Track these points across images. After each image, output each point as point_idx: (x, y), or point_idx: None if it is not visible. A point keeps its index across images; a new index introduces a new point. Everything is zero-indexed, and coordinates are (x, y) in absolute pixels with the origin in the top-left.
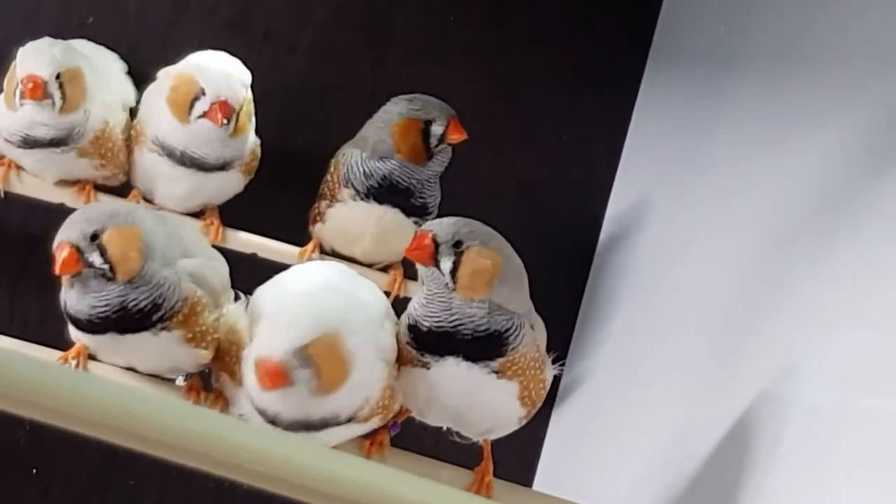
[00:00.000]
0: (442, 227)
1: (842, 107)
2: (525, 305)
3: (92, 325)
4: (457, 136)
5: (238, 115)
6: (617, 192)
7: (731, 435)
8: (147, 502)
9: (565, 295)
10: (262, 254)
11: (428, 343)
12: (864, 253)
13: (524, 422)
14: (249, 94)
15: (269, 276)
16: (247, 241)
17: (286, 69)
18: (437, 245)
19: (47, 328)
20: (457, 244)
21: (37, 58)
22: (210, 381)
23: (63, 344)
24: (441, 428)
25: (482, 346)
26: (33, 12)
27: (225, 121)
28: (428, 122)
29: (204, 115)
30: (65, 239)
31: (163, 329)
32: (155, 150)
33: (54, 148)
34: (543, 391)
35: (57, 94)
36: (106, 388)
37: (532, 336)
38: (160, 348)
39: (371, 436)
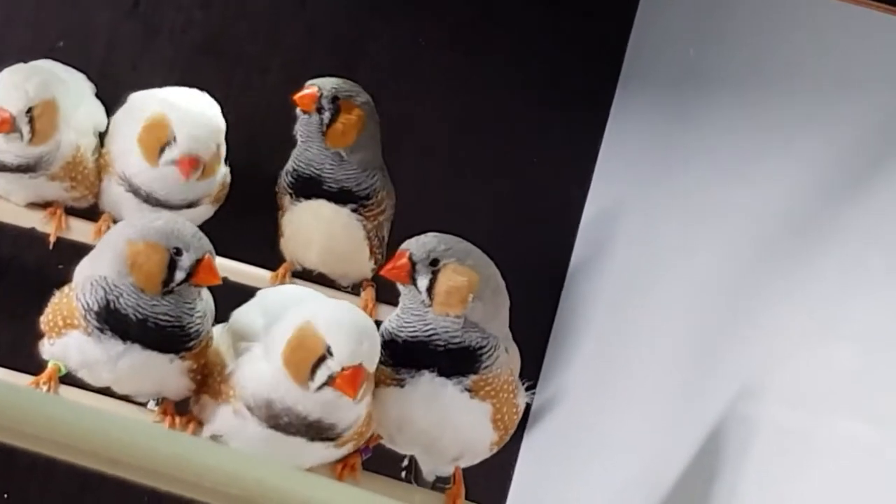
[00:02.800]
0: (418, 245)
1: (811, 129)
2: (502, 330)
3: (139, 330)
4: (296, 98)
5: (205, 163)
6: (588, 215)
7: (702, 456)
8: None
9: (536, 317)
10: (233, 278)
11: (403, 356)
12: (835, 274)
13: (495, 449)
14: (222, 140)
15: (237, 300)
16: (218, 266)
17: (257, 91)
18: (413, 263)
19: (18, 353)
20: (433, 262)
21: (8, 92)
22: (179, 405)
23: (33, 369)
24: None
25: (456, 360)
26: (2, 35)
27: (192, 172)
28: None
29: (173, 163)
30: (207, 250)
31: (181, 357)
32: (122, 184)
33: (23, 174)
34: (516, 417)
35: (25, 129)
36: (79, 412)
37: (507, 359)
38: (165, 374)
39: (343, 459)
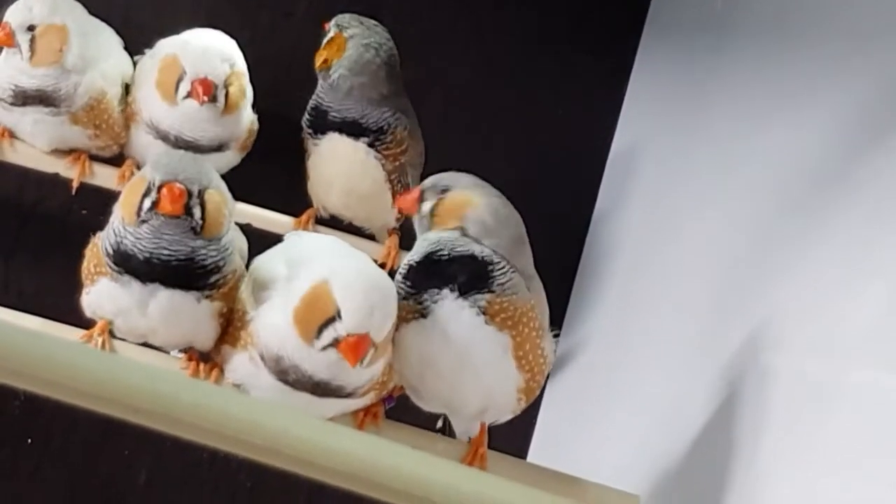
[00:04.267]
0: (432, 179)
1: (838, 77)
2: (527, 268)
3: (147, 268)
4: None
5: (227, 91)
6: (612, 162)
7: (723, 406)
8: (141, 472)
9: (561, 265)
10: (256, 224)
11: (420, 278)
12: (859, 225)
13: (523, 401)
14: (241, 69)
15: (263, 248)
16: (242, 212)
17: (282, 35)
18: (422, 192)
19: (42, 299)
20: (442, 190)
21: (16, 7)
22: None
23: (58, 314)
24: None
25: (465, 268)
26: None
27: (206, 98)
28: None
29: (188, 94)
30: (179, 183)
31: (207, 297)
32: (150, 132)
33: (44, 107)
34: (543, 362)
35: (25, 46)
36: (100, 359)
37: (527, 293)
38: (193, 317)
39: (366, 408)
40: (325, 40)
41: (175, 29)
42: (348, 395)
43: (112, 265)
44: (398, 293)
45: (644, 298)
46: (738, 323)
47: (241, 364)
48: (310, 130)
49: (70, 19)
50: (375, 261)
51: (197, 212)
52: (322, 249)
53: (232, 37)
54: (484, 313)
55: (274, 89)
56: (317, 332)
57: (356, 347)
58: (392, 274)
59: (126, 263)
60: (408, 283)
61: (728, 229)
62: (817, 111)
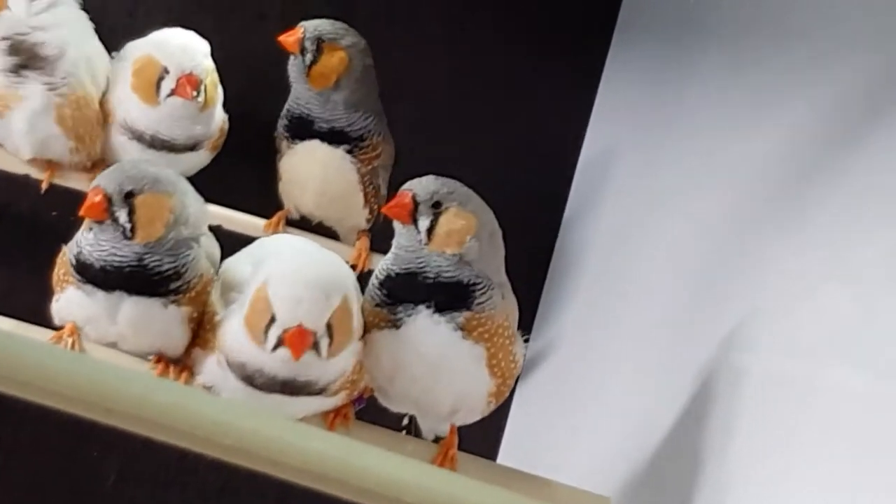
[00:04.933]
0: (422, 186)
1: (811, 79)
2: (498, 277)
3: (104, 276)
4: (282, 38)
5: (205, 86)
6: (583, 163)
7: (694, 406)
8: (110, 472)
9: (531, 266)
10: (227, 226)
11: (398, 290)
12: (828, 226)
13: (492, 403)
14: (212, 64)
15: (234, 250)
16: (212, 214)
17: (255, 38)
18: (416, 204)
19: (12, 300)
20: (436, 204)
21: None
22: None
23: (28, 315)
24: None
25: (448, 293)
26: None
27: (195, 93)
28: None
29: (172, 92)
30: (101, 186)
31: (174, 302)
32: (125, 133)
33: (33, 70)
34: (514, 367)
35: None
36: (72, 360)
37: (502, 304)
38: (162, 323)
39: (336, 409)
40: (314, 53)
41: (147, 30)
42: (320, 392)
43: (75, 274)
44: (372, 298)
45: (614, 300)
46: (708, 324)
47: (210, 367)
48: (287, 135)
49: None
50: (347, 262)
51: (122, 216)
52: (281, 251)
53: (204, 38)
54: (461, 328)
55: (246, 92)
56: (264, 334)
57: (294, 341)
58: (364, 276)
59: (87, 272)
60: (383, 292)
61: (697, 231)
62: (788, 114)
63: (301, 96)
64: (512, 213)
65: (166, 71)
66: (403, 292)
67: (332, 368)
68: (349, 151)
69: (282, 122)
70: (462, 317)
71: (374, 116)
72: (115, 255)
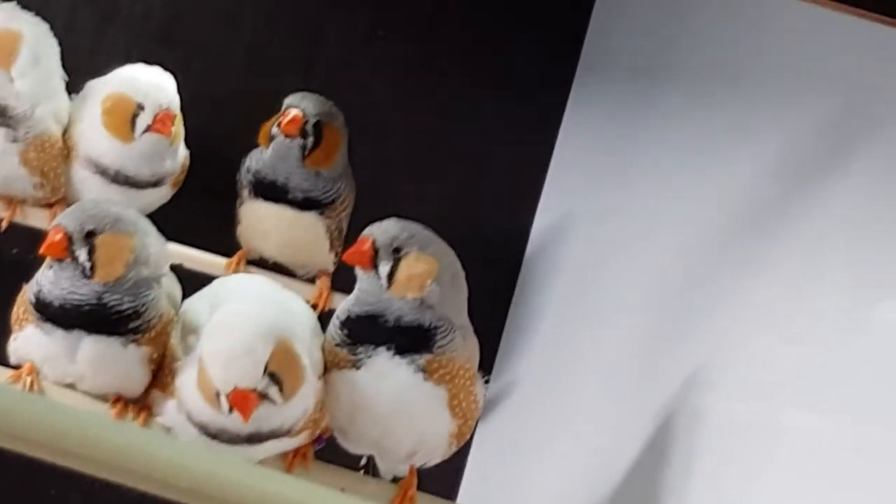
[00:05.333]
0: (382, 231)
1: (769, 121)
2: (460, 318)
3: (63, 314)
4: (285, 122)
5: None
6: (544, 204)
7: (654, 447)
8: None
9: (492, 306)
10: (188, 265)
11: (359, 332)
12: (788, 268)
13: (454, 444)
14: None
15: (194, 289)
16: (173, 253)
17: (216, 79)
18: (376, 250)
19: None
20: (396, 249)
21: None
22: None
23: None
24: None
25: (409, 336)
26: None
27: (168, 129)
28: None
29: (149, 128)
30: (62, 224)
31: (133, 342)
32: (87, 167)
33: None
34: (475, 408)
35: None
36: (27, 400)
37: (463, 346)
38: (122, 363)
39: (295, 449)
40: (316, 136)
41: (108, 68)
42: (285, 434)
43: (34, 312)
44: (333, 338)
45: (575, 341)
46: (668, 365)
47: (170, 411)
48: (251, 190)
49: (28, 31)
50: (307, 301)
51: (82, 255)
52: (235, 294)
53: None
54: (422, 370)
55: (208, 131)
56: (216, 399)
57: (237, 403)
58: (324, 314)
59: (46, 310)
60: (344, 332)
61: (659, 272)
62: (747, 157)
63: (286, 170)
64: (473, 252)
65: (141, 107)
66: (364, 333)
67: (293, 411)
68: (320, 213)
69: (247, 177)
70: (423, 359)
71: (344, 177)
72: (75, 293)
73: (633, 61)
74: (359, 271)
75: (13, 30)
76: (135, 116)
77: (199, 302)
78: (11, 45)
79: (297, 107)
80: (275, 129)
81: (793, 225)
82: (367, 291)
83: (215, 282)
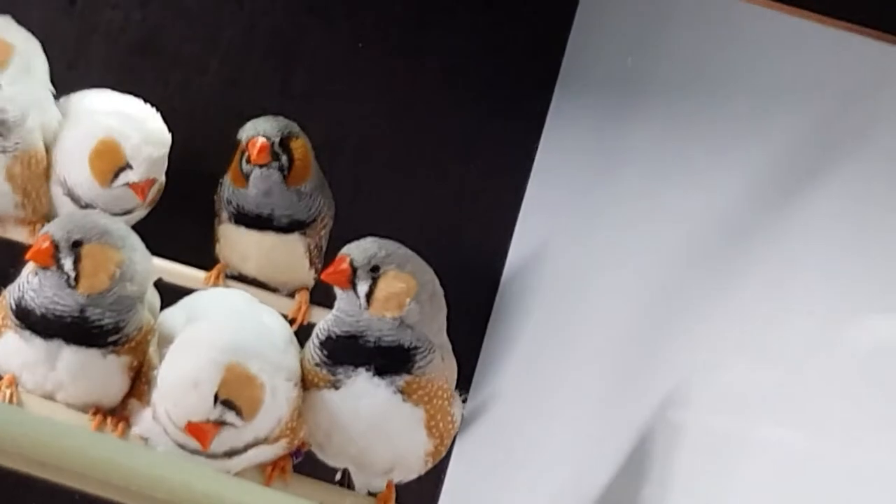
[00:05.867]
0: (360, 250)
1: (746, 137)
2: (439, 337)
3: (44, 323)
4: (254, 155)
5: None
6: (522, 222)
7: (631, 462)
8: None
9: (470, 322)
10: (167, 278)
11: (338, 352)
12: (764, 285)
13: (430, 462)
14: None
15: (173, 300)
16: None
17: (195, 92)
18: (354, 269)
19: None
20: (374, 268)
21: None
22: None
23: None
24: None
25: (388, 358)
26: None
27: (147, 195)
28: (243, 145)
29: (129, 185)
30: (50, 232)
31: (113, 352)
32: (61, 187)
33: None
34: (452, 428)
35: None
36: (7, 413)
37: (442, 366)
38: (101, 372)
39: (273, 461)
40: (288, 155)
41: (87, 81)
42: (263, 443)
43: (14, 319)
44: (312, 357)
45: (553, 356)
46: (646, 380)
47: (146, 420)
48: (232, 217)
49: (19, 41)
50: (285, 316)
51: (67, 264)
52: (215, 308)
53: (145, 92)
54: (401, 392)
55: (186, 145)
56: (185, 429)
57: (196, 435)
58: (302, 329)
59: (26, 318)
60: (324, 353)
61: (634, 290)
62: (724, 171)
63: (272, 200)
64: (452, 269)
65: (129, 166)
66: (344, 354)
67: (262, 424)
68: (302, 233)
69: (228, 207)
70: (402, 380)
71: (320, 196)
72: (58, 303)
73: (612, 76)
74: (338, 291)
75: (5, 40)
76: (120, 170)
77: (174, 313)
78: (3, 53)
79: (257, 134)
80: (247, 166)
81: (769, 240)
82: (346, 311)
83: (192, 294)
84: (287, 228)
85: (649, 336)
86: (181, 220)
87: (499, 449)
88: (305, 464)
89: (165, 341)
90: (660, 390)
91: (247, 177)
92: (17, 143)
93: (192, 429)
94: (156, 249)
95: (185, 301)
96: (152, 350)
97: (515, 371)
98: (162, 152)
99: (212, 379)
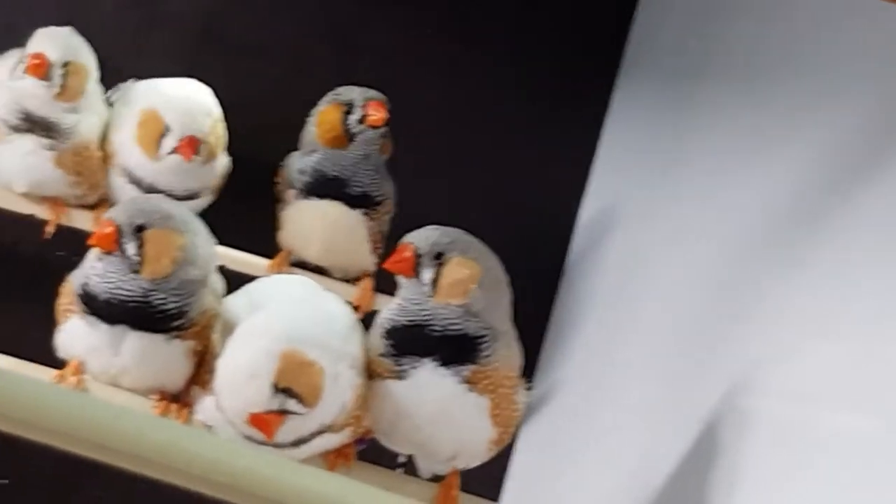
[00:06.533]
0: (423, 238)
1: (813, 122)
2: (504, 324)
3: (109, 308)
4: (375, 116)
5: (208, 143)
6: (587, 208)
7: (698, 450)
8: None
9: (535, 308)
10: (231, 266)
11: (403, 343)
12: (834, 266)
13: (493, 450)
14: (219, 117)
15: (237, 288)
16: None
17: (259, 79)
18: (418, 256)
19: (17, 340)
20: (437, 255)
21: (52, 41)
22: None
23: (33, 355)
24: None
25: (454, 347)
26: (7, 23)
27: (192, 155)
28: (348, 106)
29: (174, 150)
30: (113, 217)
31: (177, 337)
32: (124, 177)
33: (41, 136)
34: (516, 415)
35: (57, 80)
36: (66, 397)
37: (507, 354)
38: (164, 358)
39: (337, 448)
40: (375, 122)
41: (153, 70)
42: (328, 430)
43: (80, 304)
44: (377, 347)
45: (618, 342)
46: (713, 367)
47: (209, 408)
48: (302, 189)
49: (90, 59)
50: (349, 303)
51: (130, 249)
52: (276, 295)
53: (210, 81)
54: (467, 381)
55: (250, 133)
56: (248, 421)
57: (259, 427)
58: (367, 316)
59: (92, 303)
60: (389, 343)
61: (703, 273)
62: (792, 155)
63: (353, 165)
64: (516, 256)
65: (168, 129)
66: (409, 345)
67: (326, 411)
68: (365, 213)
69: (300, 179)
70: (468, 370)
71: (386, 176)
72: (122, 288)
73: (677, 60)
74: (401, 279)
75: (84, 63)
76: (162, 136)
77: (237, 301)
78: (85, 78)
79: (378, 99)
80: (358, 126)
81: (839, 224)
82: (411, 300)
83: (255, 281)
84: (355, 201)
85: (715, 321)
86: (246, 207)
87: (564, 435)
88: (368, 451)
89: (228, 328)
90: (728, 376)
91: (352, 137)
92: (66, 140)
93: (256, 420)
94: (220, 237)
95: (248, 288)
96: (217, 337)
97: (581, 357)
98: (197, 110)
99: (268, 368)
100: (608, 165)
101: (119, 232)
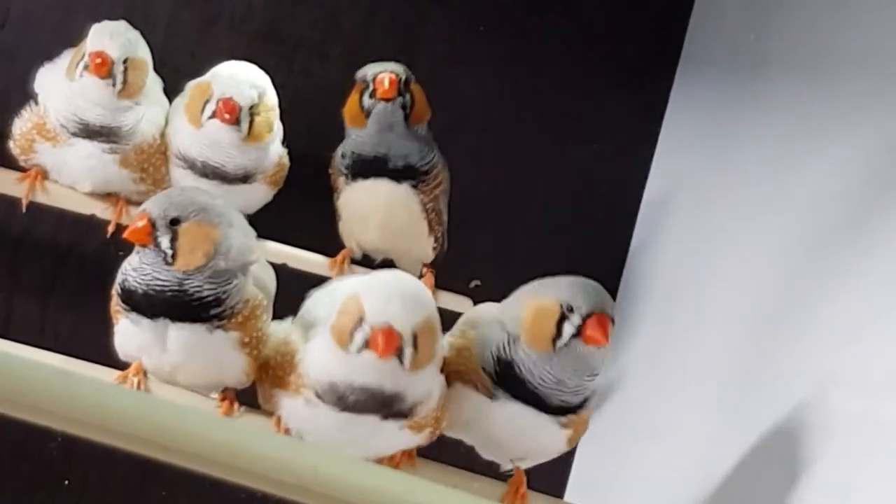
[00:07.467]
0: (571, 298)
1: (873, 113)
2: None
3: (147, 301)
4: (381, 89)
5: (252, 119)
6: (648, 198)
7: (764, 442)
8: None
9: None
10: (292, 264)
11: (507, 382)
12: None
13: (563, 451)
14: (270, 101)
15: (298, 288)
16: (277, 252)
17: (317, 78)
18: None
19: (78, 341)
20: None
21: (111, 38)
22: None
23: (94, 356)
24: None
25: (559, 410)
26: (63, 22)
27: (228, 116)
28: (364, 84)
29: (212, 115)
30: (147, 210)
31: (219, 327)
32: (179, 164)
33: (102, 143)
34: (585, 430)
35: (119, 77)
36: (131, 398)
37: (596, 395)
38: (211, 349)
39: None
40: (410, 96)
41: (209, 70)
42: (408, 414)
43: (121, 303)
44: (483, 359)
45: (681, 335)
46: (779, 358)
47: (296, 409)
48: (347, 173)
49: (146, 54)
50: None
51: (164, 242)
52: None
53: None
54: (563, 427)
55: (308, 131)
56: (350, 337)
57: (377, 339)
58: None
59: (131, 300)
60: (496, 370)
61: (768, 264)
62: (852, 146)
63: (390, 140)
64: (574, 252)
65: (213, 94)
66: (512, 386)
67: (417, 385)
68: (414, 186)
69: (343, 163)
70: (566, 419)
71: (432, 147)
72: (157, 279)
73: (735, 52)
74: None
75: (143, 58)
76: (206, 102)
77: (318, 300)
78: (145, 73)
79: (385, 71)
80: (370, 101)
81: None
82: (528, 361)
83: (335, 281)
84: (401, 174)
85: (782, 312)
86: (305, 204)
87: (627, 431)
88: (431, 448)
89: (310, 327)
90: (791, 370)
91: (367, 113)
92: (128, 142)
93: (383, 331)
94: (280, 235)
95: (330, 288)
96: (296, 337)
97: (643, 350)
98: (241, 76)
99: (420, 310)
100: (669, 155)
101: (152, 225)
